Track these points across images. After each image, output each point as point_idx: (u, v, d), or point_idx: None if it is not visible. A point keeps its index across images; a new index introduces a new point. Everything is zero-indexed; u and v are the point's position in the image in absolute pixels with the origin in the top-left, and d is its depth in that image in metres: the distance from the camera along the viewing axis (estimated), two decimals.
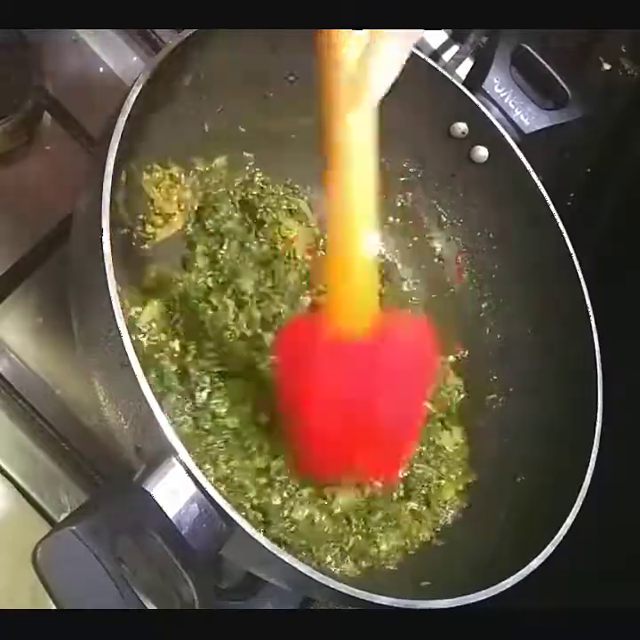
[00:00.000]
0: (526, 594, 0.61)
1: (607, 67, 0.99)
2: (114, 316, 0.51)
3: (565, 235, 0.78)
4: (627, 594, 0.70)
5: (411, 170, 0.86)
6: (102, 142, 0.57)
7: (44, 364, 0.74)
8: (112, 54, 0.88)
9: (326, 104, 0.50)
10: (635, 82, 0.97)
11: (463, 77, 0.88)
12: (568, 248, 0.77)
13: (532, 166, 0.79)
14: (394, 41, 0.49)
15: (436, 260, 0.88)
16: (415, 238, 0.88)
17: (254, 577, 0.75)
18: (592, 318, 0.75)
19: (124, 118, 0.57)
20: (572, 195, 0.96)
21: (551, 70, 0.87)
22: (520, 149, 0.80)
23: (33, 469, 0.71)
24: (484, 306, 0.85)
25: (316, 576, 0.53)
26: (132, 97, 0.58)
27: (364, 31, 0.49)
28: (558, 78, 0.87)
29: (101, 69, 0.88)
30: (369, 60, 0.49)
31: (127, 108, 0.58)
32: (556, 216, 0.78)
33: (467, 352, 0.85)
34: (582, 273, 0.77)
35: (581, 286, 0.76)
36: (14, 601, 0.67)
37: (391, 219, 0.88)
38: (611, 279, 0.85)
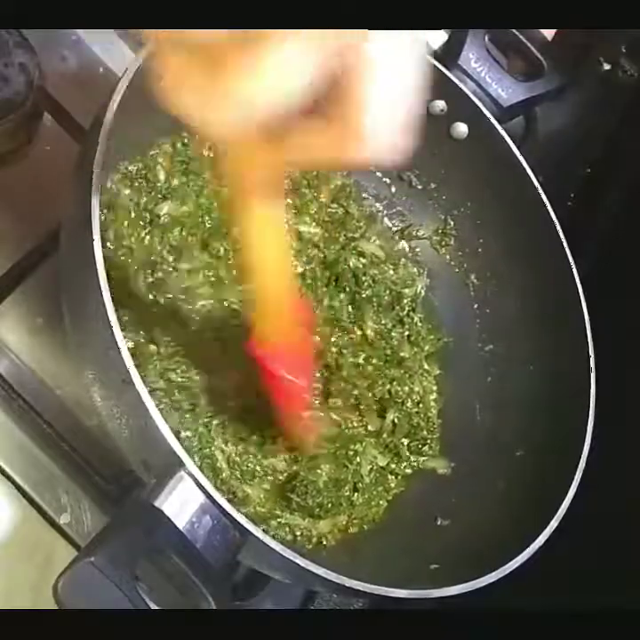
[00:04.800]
0: (526, 594, 0.61)
1: (607, 67, 0.99)
2: (113, 335, 0.50)
3: (548, 205, 0.76)
4: (626, 594, 0.70)
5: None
6: (89, 138, 0.56)
7: (44, 364, 0.74)
8: (112, 54, 0.88)
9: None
10: (634, 82, 0.97)
11: (437, 53, 0.87)
12: (550, 214, 0.76)
13: (531, 166, 0.78)
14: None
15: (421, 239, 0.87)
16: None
17: (254, 577, 0.75)
18: (583, 302, 0.74)
19: (111, 114, 0.56)
20: (572, 195, 0.96)
21: (525, 41, 0.86)
22: (499, 123, 0.79)
23: (33, 469, 0.71)
24: (468, 282, 0.85)
25: (333, 577, 0.53)
26: (120, 92, 0.57)
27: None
28: (533, 49, 0.86)
29: (101, 69, 0.88)
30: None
31: (113, 105, 0.56)
32: (538, 186, 0.77)
33: (451, 340, 0.84)
34: (582, 273, 0.76)
35: (568, 257, 0.75)
36: (14, 601, 0.67)
37: (377, 204, 0.87)
38: (610, 279, 0.85)
